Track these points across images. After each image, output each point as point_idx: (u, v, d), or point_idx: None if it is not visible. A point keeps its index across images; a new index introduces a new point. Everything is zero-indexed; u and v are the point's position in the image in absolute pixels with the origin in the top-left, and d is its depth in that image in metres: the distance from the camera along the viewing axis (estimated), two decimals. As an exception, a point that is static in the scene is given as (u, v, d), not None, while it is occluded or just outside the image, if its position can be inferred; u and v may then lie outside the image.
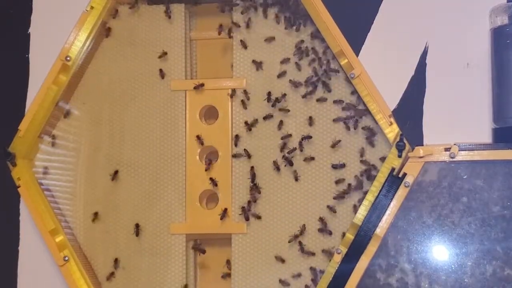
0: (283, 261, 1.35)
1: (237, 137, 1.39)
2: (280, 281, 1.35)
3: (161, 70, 1.42)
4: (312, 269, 1.34)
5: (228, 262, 1.39)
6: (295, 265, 1.35)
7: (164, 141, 1.42)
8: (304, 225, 1.35)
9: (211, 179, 1.39)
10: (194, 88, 1.40)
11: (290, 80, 1.37)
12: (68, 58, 1.41)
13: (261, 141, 1.38)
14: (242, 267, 1.37)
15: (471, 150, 1.26)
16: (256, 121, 1.38)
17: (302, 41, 1.37)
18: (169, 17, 1.43)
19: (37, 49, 1.56)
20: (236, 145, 1.39)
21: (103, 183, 1.44)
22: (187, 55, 1.44)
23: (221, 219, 1.38)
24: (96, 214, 1.43)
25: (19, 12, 1.57)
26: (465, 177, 1.28)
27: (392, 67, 1.41)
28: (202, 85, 1.40)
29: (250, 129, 1.38)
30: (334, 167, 1.34)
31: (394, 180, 1.28)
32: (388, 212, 1.28)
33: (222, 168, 1.40)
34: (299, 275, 1.35)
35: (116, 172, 1.42)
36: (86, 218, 1.44)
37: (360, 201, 1.31)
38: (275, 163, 1.36)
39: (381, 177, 1.29)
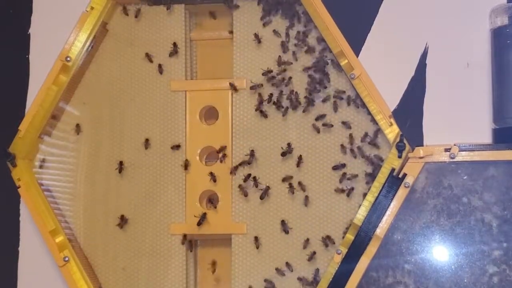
0: (283, 261, 1.36)
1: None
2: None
3: (160, 66, 1.42)
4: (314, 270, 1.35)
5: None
6: (295, 265, 1.35)
7: (164, 142, 1.42)
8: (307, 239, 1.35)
9: (211, 173, 1.39)
10: (171, 148, 1.41)
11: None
12: (68, 59, 1.41)
13: (263, 142, 1.39)
14: (242, 267, 1.37)
15: (471, 151, 1.27)
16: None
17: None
18: (169, 9, 1.43)
19: (37, 50, 1.56)
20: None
21: (103, 183, 1.44)
22: (187, 56, 1.44)
23: (198, 224, 1.38)
24: (122, 217, 1.42)
25: (19, 13, 1.57)
26: (465, 177, 1.28)
27: (392, 67, 1.41)
28: (178, 146, 1.41)
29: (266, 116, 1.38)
30: (335, 168, 1.35)
31: (394, 180, 1.28)
32: (388, 212, 1.28)
33: (222, 168, 1.40)
34: (299, 275, 1.35)
35: (121, 163, 1.42)
36: (86, 218, 1.44)
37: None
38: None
39: (381, 177, 1.29)
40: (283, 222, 1.35)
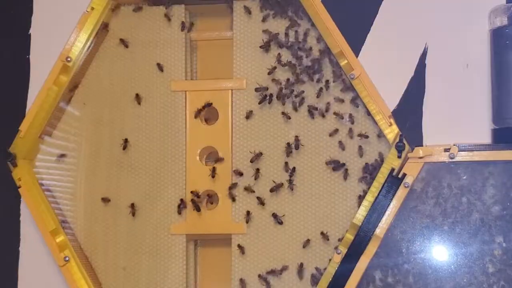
0: (283, 261, 1.36)
1: None
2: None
3: (159, 64, 1.43)
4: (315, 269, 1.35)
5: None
6: (295, 265, 1.36)
7: (164, 142, 1.42)
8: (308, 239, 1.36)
9: (213, 168, 1.39)
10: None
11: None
12: (69, 59, 1.41)
13: (263, 142, 1.39)
14: (242, 267, 1.37)
15: (470, 151, 1.27)
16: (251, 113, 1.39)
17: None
18: (169, 19, 1.43)
19: (38, 50, 1.56)
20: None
21: (103, 183, 1.44)
22: (187, 56, 1.44)
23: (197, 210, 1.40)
24: (133, 205, 1.42)
25: (19, 13, 1.58)
26: (464, 177, 1.29)
27: (392, 67, 1.41)
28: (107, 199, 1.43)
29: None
30: (334, 169, 1.35)
31: (394, 180, 1.28)
32: (387, 212, 1.28)
33: (222, 168, 1.40)
34: (299, 274, 1.35)
35: (126, 141, 1.43)
36: (87, 218, 1.44)
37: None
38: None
39: (381, 177, 1.29)
40: (274, 215, 1.36)
